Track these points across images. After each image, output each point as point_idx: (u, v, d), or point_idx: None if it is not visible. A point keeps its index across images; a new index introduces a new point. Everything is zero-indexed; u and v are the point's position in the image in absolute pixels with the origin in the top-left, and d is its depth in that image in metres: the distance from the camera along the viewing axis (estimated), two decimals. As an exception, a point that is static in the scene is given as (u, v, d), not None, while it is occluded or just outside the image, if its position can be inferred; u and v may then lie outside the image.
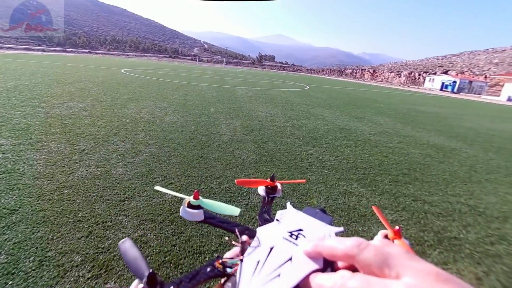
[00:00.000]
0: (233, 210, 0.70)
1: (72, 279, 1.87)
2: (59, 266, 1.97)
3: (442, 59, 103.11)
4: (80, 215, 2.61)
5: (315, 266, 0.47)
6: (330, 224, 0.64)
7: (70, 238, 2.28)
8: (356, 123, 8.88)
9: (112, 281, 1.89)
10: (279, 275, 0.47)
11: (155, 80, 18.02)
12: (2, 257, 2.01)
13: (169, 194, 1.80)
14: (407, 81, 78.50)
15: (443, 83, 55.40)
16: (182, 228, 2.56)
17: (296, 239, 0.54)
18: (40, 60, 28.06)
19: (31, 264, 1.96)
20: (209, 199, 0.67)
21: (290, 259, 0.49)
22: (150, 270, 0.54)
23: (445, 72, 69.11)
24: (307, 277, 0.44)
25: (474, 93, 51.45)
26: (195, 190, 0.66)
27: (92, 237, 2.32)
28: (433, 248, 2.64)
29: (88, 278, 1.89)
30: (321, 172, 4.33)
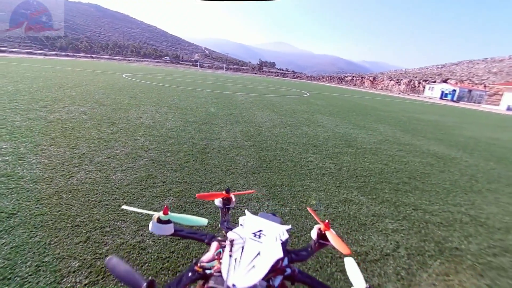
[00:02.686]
0: (201, 221, 0.78)
1: (69, 285, 1.84)
2: (56, 272, 1.94)
3: (442, 67, 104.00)
4: (78, 220, 2.59)
5: (279, 256, 0.64)
6: (281, 223, 0.86)
7: (68, 243, 2.25)
8: (356, 131, 8.90)
9: (108, 287, 1.86)
10: (254, 267, 0.61)
11: (156, 85, 18.11)
12: (-2, 262, 1.98)
13: (138, 212, 1.85)
14: (407, 89, 78.97)
15: (442, 91, 55.71)
16: (181, 235, 2.54)
17: (259, 238, 0.70)
18: (42, 64, 28.27)
19: (27, 269, 1.93)
20: (178, 213, 0.73)
21: (259, 253, 0.64)
22: (149, 279, 0.63)
23: (445, 81, 69.61)
24: (275, 264, 0.62)
25: (474, 102, 51.71)
26: (165, 206, 0.71)
27: (90, 242, 2.30)
28: (434, 259, 2.61)
29: (85, 285, 1.86)
30: (321, 179, 4.32)
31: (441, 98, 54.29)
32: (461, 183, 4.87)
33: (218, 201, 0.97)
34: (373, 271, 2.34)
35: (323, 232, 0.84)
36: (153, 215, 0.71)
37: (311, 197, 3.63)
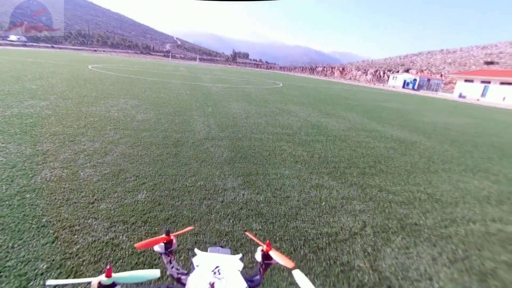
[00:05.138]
0: (152, 274, 0.73)
1: None
2: (21, 276, 1.86)
3: (404, 58, 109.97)
4: (44, 220, 2.47)
5: (243, 286, 0.68)
6: (231, 253, 0.89)
7: (34, 245, 2.15)
8: (327, 119, 9.22)
9: (81, 287, 1.82)
10: None
11: (125, 77, 17.21)
12: (-45, 269, 1.85)
13: (67, 283, 1.66)
14: (373, 79, 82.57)
15: (405, 80, 59.04)
16: (156, 229, 2.53)
17: (219, 274, 0.72)
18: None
19: (-11, 274, 1.83)
20: (123, 271, 0.68)
21: None
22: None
23: (407, 71, 73.75)
24: None
25: (432, 90, 55.48)
26: (107, 267, 0.64)
27: (59, 242, 2.21)
28: (396, 235, 2.86)
29: (55, 286, 1.81)
30: (294, 167, 4.47)
31: (403, 87, 57.55)
32: (420, 165, 5.30)
33: (158, 247, 0.88)
34: (342, 250, 2.52)
35: (266, 252, 0.86)
36: (91, 282, 0.63)
37: (285, 184, 3.75)
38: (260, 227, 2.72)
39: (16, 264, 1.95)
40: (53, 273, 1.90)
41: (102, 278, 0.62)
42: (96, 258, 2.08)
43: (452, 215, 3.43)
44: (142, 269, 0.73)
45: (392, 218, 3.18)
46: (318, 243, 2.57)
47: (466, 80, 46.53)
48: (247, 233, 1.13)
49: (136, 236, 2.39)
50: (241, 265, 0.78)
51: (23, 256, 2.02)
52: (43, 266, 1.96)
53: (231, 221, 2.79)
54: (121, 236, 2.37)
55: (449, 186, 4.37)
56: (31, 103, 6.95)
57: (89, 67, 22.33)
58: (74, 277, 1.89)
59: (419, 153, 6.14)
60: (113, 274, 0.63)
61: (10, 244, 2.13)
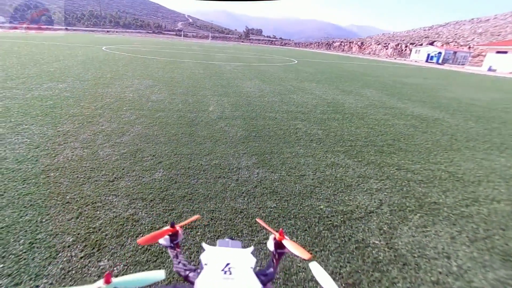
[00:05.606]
0: (157, 276, 0.67)
1: (64, 259, 1.90)
2: (51, 248, 1.99)
3: (429, 29, 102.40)
4: (68, 197, 2.60)
5: (257, 286, 0.63)
6: (242, 247, 0.81)
7: (60, 220, 2.28)
8: (343, 97, 8.91)
9: (105, 259, 1.93)
10: None
11: (138, 57, 17.23)
12: (-8, 241, 2.00)
13: None
14: (394, 53, 78.13)
15: (428, 54, 55.41)
16: (173, 205, 2.60)
17: (231, 274, 0.65)
18: (12, 39, 26.15)
19: (21, 247, 1.97)
20: (125, 274, 0.61)
21: None
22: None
23: (431, 43, 68.99)
24: None
25: (458, 64, 51.94)
26: (106, 272, 0.60)
27: (83, 218, 2.33)
28: (414, 213, 2.80)
29: (81, 257, 1.92)
30: (309, 145, 4.40)
31: (427, 61, 54.16)
32: (442, 143, 5.06)
33: (163, 240, 0.82)
34: (357, 227, 2.50)
35: (279, 241, 0.81)
36: None
37: (300, 163, 3.72)
38: (275, 205, 2.74)
39: (45, 237, 2.08)
40: (79, 246, 2.02)
41: (101, 284, 0.59)
42: (118, 233, 2.18)
43: (474, 194, 3.29)
44: (146, 270, 0.68)
45: (410, 197, 3.11)
46: (333, 221, 2.56)
47: (498, 52, 42.86)
48: (258, 221, 1.04)
49: (155, 212, 2.47)
50: (253, 260, 0.73)
51: (51, 230, 2.16)
52: (70, 239, 2.08)
53: (245, 199, 2.82)
54: (140, 213, 2.46)
55: (473, 164, 4.17)
56: (50, 86, 7.15)
57: (103, 48, 22.48)
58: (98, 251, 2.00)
59: (441, 131, 5.86)
60: (112, 279, 0.60)
61: (39, 219, 2.26)
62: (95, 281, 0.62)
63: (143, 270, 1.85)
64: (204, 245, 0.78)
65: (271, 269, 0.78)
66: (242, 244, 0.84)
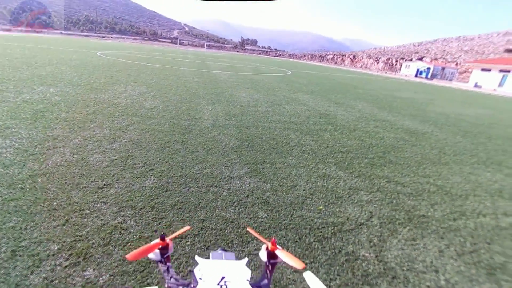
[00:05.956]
0: None
1: (48, 268, 1.84)
2: (34, 256, 1.92)
3: (418, 45, 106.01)
4: (55, 203, 2.53)
5: None
6: (236, 259, 0.80)
7: (46, 227, 2.21)
8: (336, 108, 9.06)
9: (91, 268, 1.88)
10: None
11: (133, 63, 17.22)
12: (-28, 248, 1.93)
13: None
14: (385, 67, 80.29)
15: (418, 69, 57.20)
16: (163, 214, 2.57)
17: None
18: (5, 42, 25.81)
19: (2, 255, 1.90)
20: None
21: None
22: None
23: (420, 59, 71.20)
24: None
25: (446, 79, 53.69)
26: None
27: (69, 225, 2.28)
28: (403, 226, 2.83)
29: (66, 266, 1.87)
30: (301, 156, 4.43)
31: (416, 75, 55.82)
32: (431, 156, 5.18)
33: (153, 255, 0.78)
34: (348, 239, 2.51)
35: (272, 251, 0.79)
36: None
37: (292, 173, 3.74)
38: (266, 215, 2.73)
39: (29, 245, 2.01)
40: (64, 254, 1.96)
41: None
42: (105, 241, 2.13)
43: (461, 207, 3.36)
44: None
45: (400, 209, 3.15)
46: (324, 233, 2.57)
47: (483, 69, 44.65)
48: (249, 230, 1.02)
49: (144, 221, 2.43)
50: (249, 272, 0.71)
51: (36, 237, 2.09)
52: (55, 247, 2.02)
53: (237, 208, 2.80)
54: (129, 221, 2.42)
55: (460, 178, 4.27)
56: (41, 89, 7.05)
57: (98, 53, 22.39)
58: (84, 260, 1.94)
59: (430, 144, 6.00)
60: None
61: (23, 226, 2.20)
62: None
63: (130, 281, 1.80)
64: (197, 258, 0.76)
65: (265, 281, 0.77)
66: (235, 256, 0.82)
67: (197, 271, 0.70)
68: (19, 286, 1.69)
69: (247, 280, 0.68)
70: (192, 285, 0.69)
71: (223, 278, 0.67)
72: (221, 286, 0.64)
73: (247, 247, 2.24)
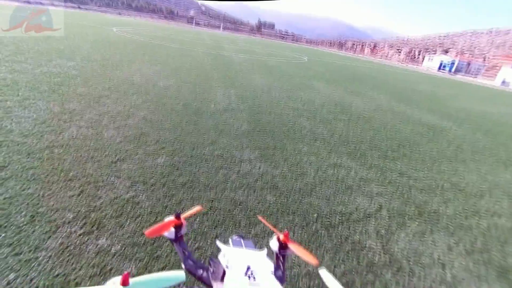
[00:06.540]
0: (176, 277, 0.63)
1: (64, 234, 1.92)
2: (51, 222, 2.01)
3: (444, 37, 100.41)
4: (71, 174, 2.62)
5: None
6: (255, 246, 0.81)
7: (62, 196, 2.30)
8: (352, 98, 8.83)
9: (104, 237, 1.95)
10: None
11: (148, 41, 17.17)
12: (-6, 210, 2.03)
13: None
14: (406, 59, 77.06)
15: (441, 62, 54.71)
16: (173, 191, 2.62)
17: (255, 279, 0.65)
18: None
19: (22, 218, 2.00)
20: (141, 274, 0.57)
21: None
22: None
23: (445, 52, 67.79)
24: None
25: (471, 75, 51.17)
26: (125, 272, 0.55)
27: (84, 195, 2.35)
28: (413, 220, 2.79)
29: (80, 234, 1.95)
30: (313, 144, 4.38)
31: (439, 69, 53.46)
32: (447, 153, 5.02)
33: (169, 233, 0.78)
34: (355, 229, 2.50)
35: (283, 243, 0.79)
36: None
37: (302, 161, 3.71)
38: (274, 199, 2.74)
39: (46, 211, 2.10)
40: (79, 223, 2.04)
41: (118, 285, 0.55)
42: (117, 213, 2.20)
43: (475, 206, 3.27)
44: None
45: (411, 204, 3.09)
46: (331, 221, 2.56)
47: (513, 66, 42.19)
48: (259, 218, 1.02)
49: (155, 197, 2.49)
50: (271, 265, 0.72)
51: (52, 205, 2.18)
52: (70, 215, 2.10)
53: (246, 191, 2.82)
54: (141, 196, 2.48)
55: (476, 177, 4.14)
56: (59, 63, 7.15)
57: (114, 29, 22.40)
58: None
59: (447, 140, 5.80)
60: (130, 280, 0.56)
61: (41, 193, 2.29)
62: (110, 278, 0.58)
63: (140, 252, 1.87)
64: (218, 243, 0.77)
65: (280, 272, 0.77)
66: (254, 243, 0.83)
67: (221, 257, 0.72)
68: (38, 248, 1.78)
69: (271, 271, 0.69)
70: (211, 270, 0.70)
71: (248, 267, 0.68)
72: (248, 276, 0.66)
73: (254, 229, 2.27)
